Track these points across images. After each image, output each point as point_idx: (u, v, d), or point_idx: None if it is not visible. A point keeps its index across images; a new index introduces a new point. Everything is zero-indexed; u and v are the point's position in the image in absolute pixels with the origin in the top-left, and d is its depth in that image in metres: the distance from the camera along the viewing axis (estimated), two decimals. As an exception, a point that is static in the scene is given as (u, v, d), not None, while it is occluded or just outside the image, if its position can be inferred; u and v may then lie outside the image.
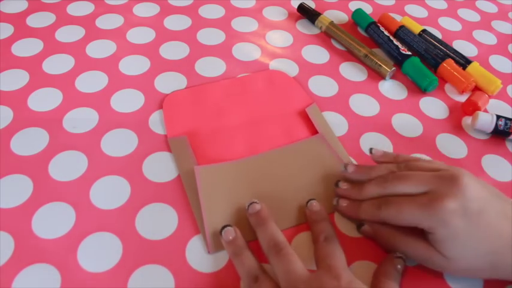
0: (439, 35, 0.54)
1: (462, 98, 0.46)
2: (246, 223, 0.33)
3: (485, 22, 0.58)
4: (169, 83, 0.45)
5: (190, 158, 0.37)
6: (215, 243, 0.32)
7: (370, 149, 0.36)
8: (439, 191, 0.29)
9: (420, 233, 0.30)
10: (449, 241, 0.28)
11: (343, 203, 0.34)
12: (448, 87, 0.47)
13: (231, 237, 0.31)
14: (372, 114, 0.43)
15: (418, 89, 0.47)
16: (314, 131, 0.41)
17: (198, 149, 0.38)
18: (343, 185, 0.35)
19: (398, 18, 0.55)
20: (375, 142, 0.41)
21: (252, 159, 0.38)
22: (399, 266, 0.30)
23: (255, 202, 0.33)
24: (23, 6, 0.53)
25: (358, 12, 0.54)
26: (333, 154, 0.39)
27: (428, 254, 0.29)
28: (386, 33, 0.51)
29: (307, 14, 0.54)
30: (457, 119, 0.44)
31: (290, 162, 0.38)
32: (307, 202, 0.34)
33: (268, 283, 0.29)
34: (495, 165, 0.40)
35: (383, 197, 0.32)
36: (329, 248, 0.30)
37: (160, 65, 0.47)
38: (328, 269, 0.28)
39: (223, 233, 0.31)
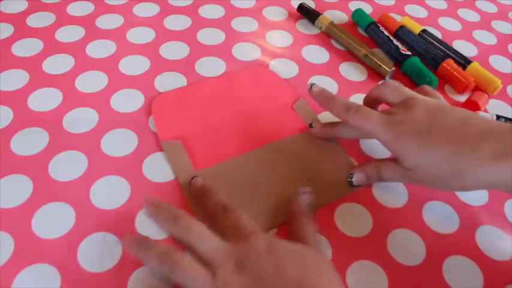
0: (439, 35, 0.54)
1: (462, 98, 0.46)
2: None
3: (485, 22, 0.58)
4: (169, 83, 0.45)
5: (187, 164, 0.37)
6: None
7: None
8: (398, 115, 0.33)
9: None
10: (404, 155, 0.32)
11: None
12: (448, 87, 0.47)
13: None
14: (372, 114, 0.43)
15: (418, 89, 0.47)
16: (304, 125, 0.41)
17: (192, 150, 0.38)
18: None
19: (398, 18, 0.55)
20: (374, 142, 0.41)
21: (246, 156, 0.38)
22: (308, 202, 0.34)
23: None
24: (23, 6, 0.53)
25: (358, 12, 0.54)
26: (324, 146, 0.40)
27: (399, 168, 0.33)
28: (386, 33, 0.51)
29: (307, 14, 0.54)
30: (457, 119, 0.44)
31: (283, 156, 0.38)
32: (191, 179, 0.35)
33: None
34: (495, 165, 0.40)
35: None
36: (232, 216, 0.31)
37: (160, 65, 0.47)
38: (243, 236, 0.29)
39: None
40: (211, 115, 0.42)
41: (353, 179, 0.36)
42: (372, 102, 0.38)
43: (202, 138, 0.39)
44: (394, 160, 0.34)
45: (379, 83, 0.39)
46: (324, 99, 0.37)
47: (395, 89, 0.36)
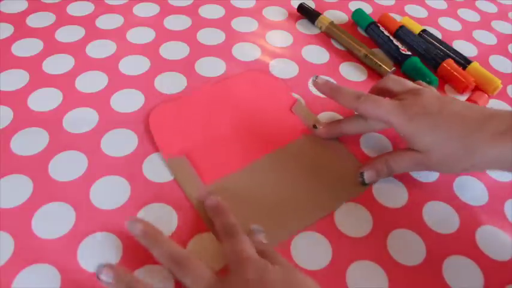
0: (439, 35, 0.54)
1: (462, 98, 0.46)
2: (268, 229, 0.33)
3: (485, 22, 0.58)
4: (169, 83, 0.45)
5: (195, 180, 0.36)
6: None
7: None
8: (408, 100, 0.34)
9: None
10: (418, 135, 0.33)
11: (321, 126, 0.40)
12: (448, 87, 0.47)
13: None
14: (372, 114, 0.43)
15: (418, 89, 0.47)
16: (305, 127, 0.41)
17: (197, 164, 0.37)
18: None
19: (398, 18, 0.55)
20: (374, 142, 0.41)
21: (253, 166, 0.37)
22: (264, 241, 0.32)
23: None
24: (23, 6, 0.53)
25: (358, 12, 0.54)
26: (329, 148, 0.39)
27: (409, 156, 0.34)
28: (386, 33, 0.51)
29: (307, 14, 0.54)
30: (457, 119, 0.44)
31: (289, 163, 0.38)
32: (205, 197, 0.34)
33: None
34: (495, 165, 0.40)
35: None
36: (233, 241, 0.30)
37: (160, 65, 0.47)
38: (239, 261, 0.29)
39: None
40: (212, 126, 0.40)
41: (364, 177, 0.36)
42: (376, 94, 0.38)
43: (206, 151, 0.38)
44: (402, 150, 0.35)
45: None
46: (331, 90, 0.38)
47: (398, 80, 0.38)
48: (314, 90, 0.45)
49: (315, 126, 0.40)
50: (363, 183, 0.37)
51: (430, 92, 0.35)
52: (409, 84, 0.37)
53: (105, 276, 0.28)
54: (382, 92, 0.38)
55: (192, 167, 0.37)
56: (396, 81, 0.37)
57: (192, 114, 0.41)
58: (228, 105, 0.43)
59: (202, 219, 0.34)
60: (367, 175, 0.36)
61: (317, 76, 0.39)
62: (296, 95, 0.44)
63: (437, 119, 0.33)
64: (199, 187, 0.36)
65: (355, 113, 0.38)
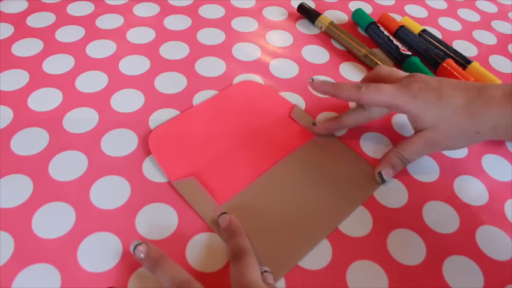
0: (439, 35, 0.54)
1: (462, 98, 0.46)
2: (286, 249, 0.33)
3: (485, 22, 0.58)
4: (169, 83, 0.45)
5: (208, 200, 0.35)
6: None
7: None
8: (407, 80, 0.36)
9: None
10: (425, 110, 0.34)
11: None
12: (448, 87, 0.47)
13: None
14: (372, 114, 0.43)
15: (418, 89, 0.47)
16: (307, 131, 0.41)
17: (208, 185, 0.36)
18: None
19: (398, 18, 0.55)
20: (375, 142, 0.41)
21: (262, 180, 0.37)
22: (270, 281, 0.30)
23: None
24: (23, 6, 0.53)
25: (358, 12, 0.54)
26: (333, 151, 0.39)
27: (418, 139, 0.35)
28: (386, 33, 0.51)
29: (307, 14, 0.54)
30: (457, 119, 0.44)
31: (299, 171, 0.37)
32: (219, 216, 0.33)
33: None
34: (495, 165, 0.40)
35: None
36: (238, 266, 0.29)
37: (160, 65, 0.47)
38: None
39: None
40: (214, 143, 0.39)
41: (383, 176, 0.36)
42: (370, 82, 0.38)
43: (213, 170, 0.37)
44: (409, 137, 0.36)
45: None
46: (331, 87, 0.38)
47: (392, 70, 0.39)
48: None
49: (314, 124, 0.40)
50: (382, 182, 0.37)
51: (424, 75, 0.36)
52: (402, 72, 0.38)
53: (138, 252, 0.30)
54: (376, 80, 0.38)
55: (202, 188, 0.35)
56: (389, 70, 0.39)
57: (192, 134, 0.40)
58: (226, 120, 0.41)
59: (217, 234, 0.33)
60: (385, 173, 0.36)
61: (312, 78, 0.39)
62: (294, 96, 0.44)
63: (440, 92, 0.34)
64: (213, 207, 0.34)
65: (353, 104, 0.39)
